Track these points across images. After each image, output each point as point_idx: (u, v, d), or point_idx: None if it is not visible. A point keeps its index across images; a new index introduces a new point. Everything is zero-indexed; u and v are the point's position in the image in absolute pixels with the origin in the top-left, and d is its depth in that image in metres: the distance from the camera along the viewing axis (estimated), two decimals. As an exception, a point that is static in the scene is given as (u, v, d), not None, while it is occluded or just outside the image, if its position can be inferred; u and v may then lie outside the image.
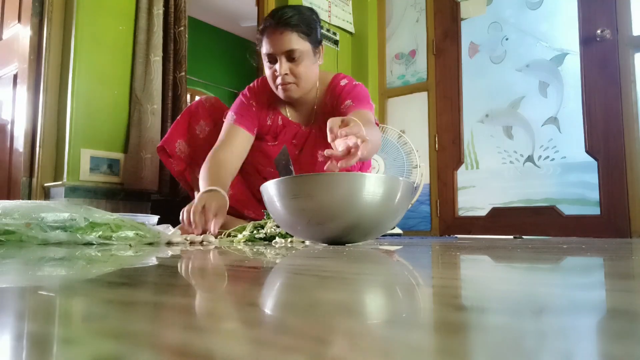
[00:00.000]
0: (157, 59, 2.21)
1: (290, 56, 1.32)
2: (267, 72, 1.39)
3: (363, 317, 0.25)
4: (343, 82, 1.45)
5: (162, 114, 2.24)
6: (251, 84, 1.55)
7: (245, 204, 1.56)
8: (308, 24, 1.34)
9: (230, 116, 1.48)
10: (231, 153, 1.41)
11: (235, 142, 1.42)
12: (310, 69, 1.38)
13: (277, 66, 1.34)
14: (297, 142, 1.48)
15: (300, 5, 1.42)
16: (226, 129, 1.46)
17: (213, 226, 1.14)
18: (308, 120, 1.49)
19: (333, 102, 1.43)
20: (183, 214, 1.19)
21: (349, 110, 1.35)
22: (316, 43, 1.37)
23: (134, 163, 2.12)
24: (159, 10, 2.24)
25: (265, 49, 1.35)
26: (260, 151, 1.51)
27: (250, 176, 1.56)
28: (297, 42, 1.31)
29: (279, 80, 1.36)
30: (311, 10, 1.40)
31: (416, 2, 2.97)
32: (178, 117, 1.66)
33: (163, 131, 2.22)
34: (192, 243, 1.07)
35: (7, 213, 0.88)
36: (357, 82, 1.46)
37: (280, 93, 1.39)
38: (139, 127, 2.15)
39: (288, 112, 1.49)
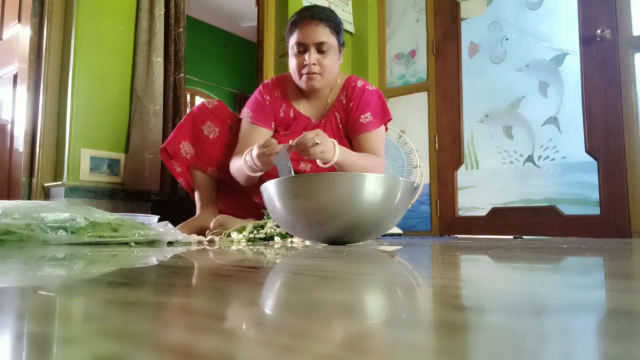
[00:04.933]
0: (158, 59, 2.22)
1: (320, 48, 1.42)
2: (293, 62, 1.47)
3: (363, 317, 0.25)
4: (359, 84, 1.53)
5: (163, 115, 2.25)
6: (266, 81, 1.61)
7: (252, 190, 1.61)
8: (338, 23, 1.46)
9: (246, 113, 1.56)
10: None
11: (256, 141, 1.49)
12: (335, 64, 1.48)
13: (306, 56, 1.43)
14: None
15: (328, 7, 1.50)
16: (246, 129, 1.54)
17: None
18: (319, 115, 1.55)
19: (348, 101, 1.51)
20: (255, 157, 1.22)
21: (367, 128, 1.47)
22: (341, 42, 1.49)
23: (136, 163, 2.13)
24: (160, 12, 2.24)
25: (296, 38, 1.43)
26: None
27: None
28: (329, 36, 1.43)
29: (305, 70, 1.44)
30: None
31: (416, 2, 2.97)
32: (181, 121, 1.69)
33: (164, 132, 2.22)
34: (192, 243, 1.07)
35: (7, 213, 0.88)
36: (372, 87, 1.54)
37: (303, 81, 1.46)
38: (141, 128, 2.15)
39: (301, 106, 1.56)
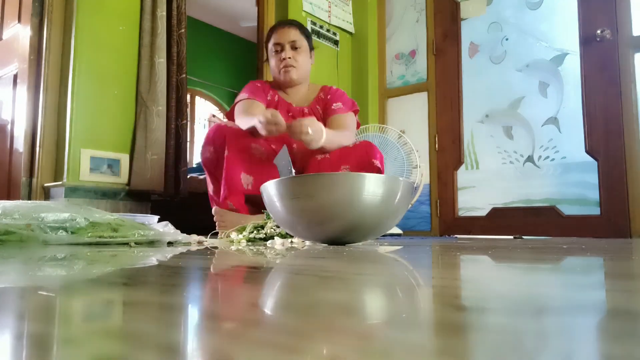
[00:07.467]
0: (161, 60, 2.22)
1: (294, 46, 1.71)
2: (273, 60, 1.75)
3: (363, 317, 0.25)
4: (334, 87, 1.82)
5: (166, 116, 2.25)
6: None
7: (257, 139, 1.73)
8: (307, 31, 1.78)
9: (242, 96, 1.72)
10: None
11: (257, 109, 1.66)
12: (306, 62, 1.76)
13: (282, 53, 1.71)
14: (293, 115, 1.74)
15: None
16: (244, 104, 1.69)
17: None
18: (301, 104, 1.78)
19: (326, 97, 1.78)
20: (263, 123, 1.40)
21: (336, 111, 1.73)
22: (310, 46, 1.79)
23: (140, 164, 2.13)
24: (162, 13, 2.24)
25: (274, 40, 1.73)
26: None
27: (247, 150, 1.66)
28: (299, 38, 1.73)
29: (282, 64, 1.70)
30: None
31: (416, 2, 2.97)
32: (226, 154, 1.55)
33: (168, 133, 2.23)
34: (192, 243, 1.07)
35: (7, 213, 0.88)
36: (344, 91, 1.84)
37: (282, 73, 1.71)
38: (145, 129, 2.16)
39: (284, 95, 1.80)
